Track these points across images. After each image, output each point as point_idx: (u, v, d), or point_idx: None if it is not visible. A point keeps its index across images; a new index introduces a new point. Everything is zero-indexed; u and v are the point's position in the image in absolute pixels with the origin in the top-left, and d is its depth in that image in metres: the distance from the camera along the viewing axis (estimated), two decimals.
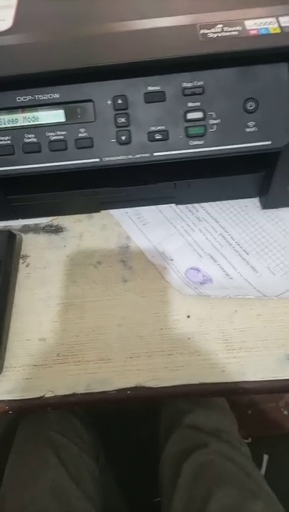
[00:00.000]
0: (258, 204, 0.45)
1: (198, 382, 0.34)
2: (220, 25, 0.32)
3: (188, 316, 0.38)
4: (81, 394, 0.34)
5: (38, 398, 0.34)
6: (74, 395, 0.34)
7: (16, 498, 0.45)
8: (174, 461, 0.50)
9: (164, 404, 0.63)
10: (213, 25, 0.32)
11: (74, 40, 0.33)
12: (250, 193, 0.44)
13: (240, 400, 0.91)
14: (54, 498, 0.44)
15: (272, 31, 0.32)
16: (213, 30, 0.32)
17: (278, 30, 0.31)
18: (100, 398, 0.34)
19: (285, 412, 0.94)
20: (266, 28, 0.32)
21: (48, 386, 0.35)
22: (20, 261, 0.42)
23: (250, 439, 0.90)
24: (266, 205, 0.44)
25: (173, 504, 0.45)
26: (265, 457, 0.92)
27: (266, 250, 0.41)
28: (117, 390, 0.34)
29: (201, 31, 0.32)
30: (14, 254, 0.42)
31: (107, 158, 0.35)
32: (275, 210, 0.44)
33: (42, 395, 0.34)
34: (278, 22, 0.32)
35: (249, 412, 0.92)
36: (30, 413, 0.56)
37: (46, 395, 0.34)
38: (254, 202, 0.45)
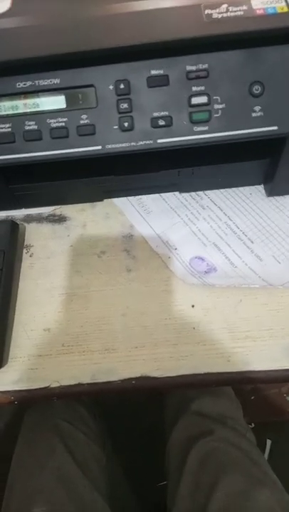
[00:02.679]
0: (263, 192, 0.44)
1: (203, 372, 0.34)
2: (225, 5, 0.31)
3: (193, 306, 0.37)
4: (86, 384, 0.34)
5: (43, 388, 0.34)
6: (79, 385, 0.34)
7: (24, 486, 0.46)
8: (181, 448, 0.51)
9: (170, 391, 0.64)
10: (218, 5, 0.31)
11: (74, 22, 0.32)
12: (255, 181, 0.44)
13: (243, 386, 0.91)
14: (61, 485, 0.45)
15: (279, 10, 0.30)
16: (218, 10, 0.31)
17: (286, 9, 0.30)
18: (105, 388, 0.34)
19: (288, 398, 0.94)
20: (273, 7, 0.30)
21: (53, 376, 0.35)
22: (24, 251, 0.42)
23: (253, 425, 0.91)
24: (271, 192, 0.43)
25: (179, 491, 0.46)
26: (268, 442, 0.93)
27: (271, 238, 0.41)
28: (122, 380, 0.34)
29: (206, 11, 0.31)
30: (17, 244, 0.41)
31: (109, 146, 0.34)
32: (281, 197, 0.43)
33: (47, 385, 0.34)
34: (286, 0, 0.31)
35: (252, 398, 0.92)
36: (36, 403, 0.56)
37: (51, 385, 0.34)
38: (259, 189, 0.44)
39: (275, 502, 0.42)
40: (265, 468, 0.47)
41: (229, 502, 0.42)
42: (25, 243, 0.43)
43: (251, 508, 0.41)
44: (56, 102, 0.33)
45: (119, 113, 0.34)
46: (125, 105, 0.33)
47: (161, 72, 0.33)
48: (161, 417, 0.65)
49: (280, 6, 0.31)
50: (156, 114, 0.34)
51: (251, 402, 0.92)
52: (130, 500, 0.74)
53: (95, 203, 0.45)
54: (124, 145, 0.34)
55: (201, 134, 0.34)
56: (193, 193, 0.45)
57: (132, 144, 0.34)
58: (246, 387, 0.91)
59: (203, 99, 0.33)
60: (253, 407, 0.91)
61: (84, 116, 0.34)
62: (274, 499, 0.42)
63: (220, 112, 0.33)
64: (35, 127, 0.34)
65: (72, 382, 0.34)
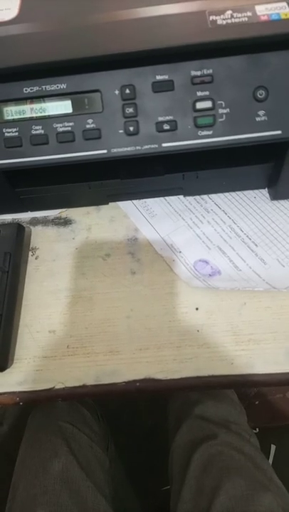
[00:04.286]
0: (267, 195, 0.44)
1: (207, 375, 0.34)
2: (229, 11, 0.31)
3: (197, 309, 0.37)
4: (91, 385, 0.35)
5: (48, 390, 0.35)
6: (83, 386, 0.35)
7: (27, 487, 0.46)
8: (184, 452, 0.51)
9: (173, 394, 0.64)
10: (223, 12, 0.31)
11: (81, 28, 0.32)
12: (259, 184, 0.44)
13: (247, 390, 0.91)
14: (64, 488, 0.45)
15: (283, 16, 0.31)
16: (222, 16, 0.31)
17: None
18: (109, 390, 0.34)
19: None
20: (277, 14, 0.31)
21: (57, 378, 0.35)
22: (30, 253, 0.42)
23: (257, 430, 0.91)
24: (275, 196, 0.43)
25: (182, 495, 0.46)
26: (273, 447, 0.92)
27: (275, 242, 0.41)
28: (126, 382, 0.34)
29: (210, 18, 0.31)
30: (23, 247, 0.42)
31: (115, 150, 0.35)
32: (285, 201, 0.43)
33: (52, 386, 0.35)
34: None
35: (256, 402, 0.92)
36: (41, 404, 0.56)
37: (56, 387, 0.35)
38: (263, 193, 0.44)
39: (279, 506, 0.41)
40: (269, 472, 0.47)
41: (232, 506, 0.41)
42: (30, 246, 0.43)
43: None
44: (62, 106, 0.34)
45: (125, 117, 0.34)
46: (131, 110, 0.34)
47: (166, 77, 0.33)
48: (165, 421, 0.65)
49: (284, 12, 0.31)
50: (161, 119, 0.34)
51: (256, 407, 0.91)
52: (133, 502, 0.73)
53: (100, 206, 0.45)
54: (129, 149, 0.35)
55: (206, 138, 0.34)
56: (197, 197, 0.45)
57: (137, 147, 0.35)
58: (250, 392, 0.91)
59: (208, 104, 0.33)
60: (258, 411, 0.91)
61: (90, 121, 0.34)
62: (278, 503, 0.41)
63: (224, 116, 0.34)
64: (42, 132, 0.34)
65: (77, 384, 0.35)
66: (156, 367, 0.35)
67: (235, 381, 0.34)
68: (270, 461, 0.90)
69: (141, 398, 0.89)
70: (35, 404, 0.57)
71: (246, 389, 0.86)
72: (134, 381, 0.34)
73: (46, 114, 0.34)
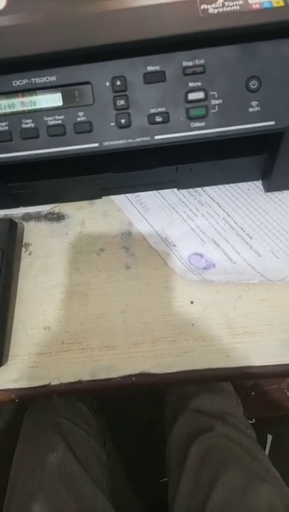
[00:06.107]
0: (261, 187, 0.44)
1: (202, 368, 0.34)
2: (221, 0, 0.31)
3: (192, 302, 0.37)
4: (86, 381, 0.34)
5: (43, 386, 0.34)
6: (79, 382, 0.34)
7: (25, 483, 0.46)
8: (181, 445, 0.51)
9: (170, 388, 0.64)
10: (214, 0, 0.31)
11: (70, 19, 0.32)
12: (253, 176, 0.44)
13: (243, 382, 0.92)
14: (62, 483, 0.45)
15: (275, 5, 0.30)
16: (214, 5, 0.31)
17: (282, 3, 0.30)
18: (105, 385, 0.34)
19: (288, 393, 0.94)
20: (269, 2, 0.30)
21: (53, 374, 0.35)
22: (23, 249, 0.42)
23: (253, 420, 0.91)
24: (269, 188, 0.43)
25: (180, 488, 0.46)
26: (269, 438, 0.93)
27: (269, 234, 0.41)
28: (121, 377, 0.34)
29: (202, 7, 0.31)
30: (16, 243, 0.41)
31: (106, 143, 0.34)
32: (279, 193, 0.43)
33: (48, 382, 0.35)
34: None
35: (252, 393, 0.93)
36: (37, 401, 0.56)
37: (52, 383, 0.35)
38: (257, 185, 0.44)
39: (276, 497, 0.42)
40: (265, 463, 0.48)
41: (229, 497, 0.42)
42: (24, 242, 0.43)
43: (251, 503, 0.41)
44: (53, 99, 0.33)
45: (116, 110, 0.33)
46: (122, 102, 0.33)
47: (157, 68, 0.33)
48: (162, 414, 0.65)
49: (276, 0, 0.30)
50: (153, 111, 0.33)
51: (251, 398, 0.92)
52: (131, 496, 0.74)
53: (93, 201, 0.45)
54: (121, 142, 0.34)
55: (199, 130, 0.34)
56: (191, 190, 0.45)
57: (130, 140, 0.34)
58: (246, 383, 0.92)
59: (200, 95, 0.33)
60: (254, 402, 0.92)
61: (81, 114, 0.34)
62: (275, 494, 0.42)
63: (217, 107, 0.33)
64: (32, 125, 0.34)
65: (73, 380, 0.35)
66: (151, 361, 0.35)
67: (231, 374, 0.34)
68: (267, 451, 0.91)
69: (137, 393, 0.89)
70: (31, 401, 0.57)
71: (242, 381, 0.86)
72: (130, 376, 0.34)
73: (36, 107, 0.34)
